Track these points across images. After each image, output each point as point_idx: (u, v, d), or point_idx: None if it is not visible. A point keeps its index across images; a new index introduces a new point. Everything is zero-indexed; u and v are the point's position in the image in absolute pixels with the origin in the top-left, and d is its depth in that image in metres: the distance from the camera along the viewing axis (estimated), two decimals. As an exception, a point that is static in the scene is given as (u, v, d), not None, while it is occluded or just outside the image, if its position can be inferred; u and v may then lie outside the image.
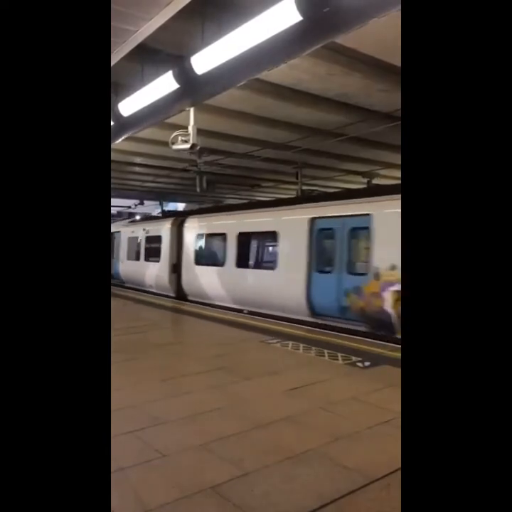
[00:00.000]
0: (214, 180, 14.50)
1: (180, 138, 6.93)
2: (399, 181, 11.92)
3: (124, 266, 16.99)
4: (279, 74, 6.67)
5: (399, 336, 7.25)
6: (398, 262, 7.07)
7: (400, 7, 3.27)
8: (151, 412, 3.89)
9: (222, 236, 11.44)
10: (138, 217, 20.95)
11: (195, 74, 5.19)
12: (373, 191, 9.32)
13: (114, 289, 15.12)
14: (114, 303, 11.70)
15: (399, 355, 5.60)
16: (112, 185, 17.96)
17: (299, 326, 8.09)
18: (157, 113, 6.52)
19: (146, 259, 15.21)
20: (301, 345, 6.41)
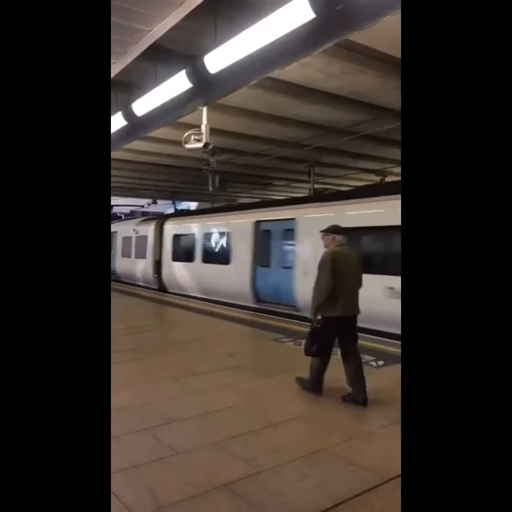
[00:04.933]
0: (226, 180, 14.51)
1: (193, 137, 6.94)
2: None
3: None
4: (291, 72, 6.65)
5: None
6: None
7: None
8: (165, 410, 3.91)
9: None
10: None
11: (208, 73, 5.20)
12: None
13: (125, 287, 15.22)
14: (126, 300, 11.79)
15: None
16: (125, 185, 18.10)
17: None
18: (170, 112, 6.54)
19: None
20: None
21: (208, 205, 20.92)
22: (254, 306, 10.46)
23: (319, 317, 4.22)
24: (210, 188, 12.97)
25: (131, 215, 27.97)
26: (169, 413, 3.83)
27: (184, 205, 26.02)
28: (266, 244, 10.47)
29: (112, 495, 2.43)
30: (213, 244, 12.31)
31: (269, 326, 7.86)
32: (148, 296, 12.76)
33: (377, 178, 14.61)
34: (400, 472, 2.78)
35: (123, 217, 26.23)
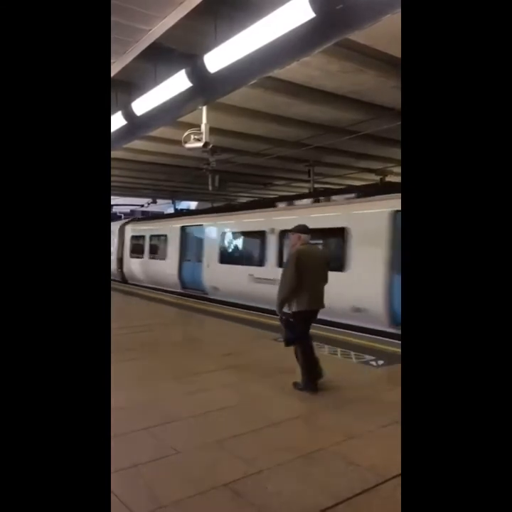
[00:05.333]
0: (226, 179, 14.51)
1: (192, 136, 6.93)
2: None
3: None
4: (291, 71, 6.64)
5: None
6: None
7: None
8: (165, 410, 3.92)
9: None
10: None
11: (208, 72, 5.20)
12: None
13: (126, 287, 15.24)
14: (127, 300, 11.79)
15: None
16: (125, 184, 18.09)
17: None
18: (170, 112, 6.54)
19: None
20: (314, 343, 6.38)
21: (208, 205, 20.96)
22: (181, 291, 13.72)
23: (285, 311, 4.43)
24: (210, 188, 12.98)
25: (131, 215, 27.99)
26: (170, 412, 3.83)
27: (184, 204, 26.00)
28: (187, 244, 13.94)
29: (112, 495, 2.43)
30: (156, 244, 15.65)
31: (269, 325, 7.85)
32: (144, 295, 12.77)
33: (377, 178, 14.59)
34: (400, 472, 2.78)
35: (123, 217, 26.23)
